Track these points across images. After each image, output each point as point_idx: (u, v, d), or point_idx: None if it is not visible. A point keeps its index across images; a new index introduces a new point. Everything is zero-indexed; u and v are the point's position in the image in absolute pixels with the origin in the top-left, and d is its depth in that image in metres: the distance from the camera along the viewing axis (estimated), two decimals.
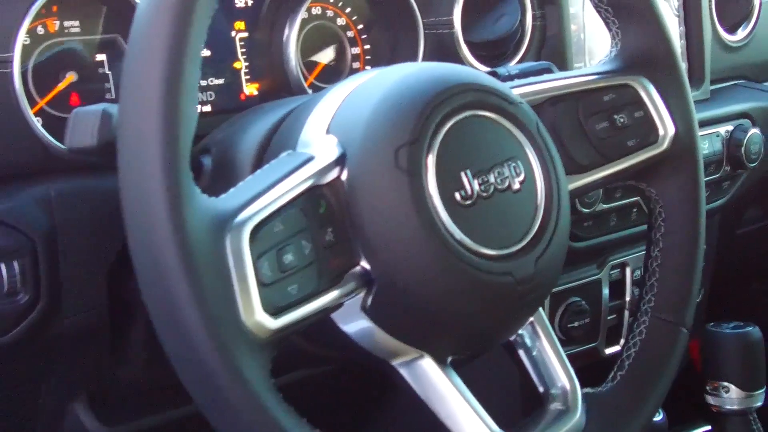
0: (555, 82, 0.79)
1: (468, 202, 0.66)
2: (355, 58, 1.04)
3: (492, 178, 0.68)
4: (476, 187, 0.67)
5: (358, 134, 0.66)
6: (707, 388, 1.19)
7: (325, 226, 0.63)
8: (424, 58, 1.02)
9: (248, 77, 0.97)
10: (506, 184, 0.68)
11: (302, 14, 0.95)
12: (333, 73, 1.02)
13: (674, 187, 0.82)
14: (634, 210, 1.15)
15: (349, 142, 0.66)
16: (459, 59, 1.02)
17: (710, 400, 1.19)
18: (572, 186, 0.77)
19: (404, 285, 0.65)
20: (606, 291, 1.19)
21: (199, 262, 0.55)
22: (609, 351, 1.22)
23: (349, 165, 0.65)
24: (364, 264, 0.65)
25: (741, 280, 1.72)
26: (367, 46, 1.04)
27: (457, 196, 0.66)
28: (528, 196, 0.70)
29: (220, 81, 0.95)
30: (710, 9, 1.26)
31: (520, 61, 1.06)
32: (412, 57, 1.02)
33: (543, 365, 0.77)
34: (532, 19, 1.07)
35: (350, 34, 1.03)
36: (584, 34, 1.15)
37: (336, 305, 0.64)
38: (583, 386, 0.78)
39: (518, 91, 0.76)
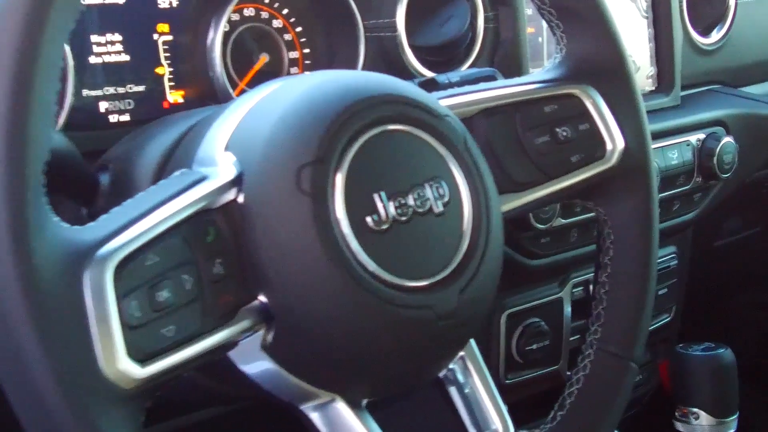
0: (489, 92, 0.71)
1: (382, 227, 0.59)
2: (294, 63, 0.96)
3: (410, 201, 0.60)
4: (392, 210, 0.59)
5: (257, 152, 0.59)
6: (676, 414, 1.12)
7: (213, 257, 0.56)
8: (365, 64, 0.94)
9: (172, 84, 0.89)
10: (427, 206, 0.61)
11: (227, 16, 0.88)
12: (268, 80, 0.95)
13: (624, 206, 0.75)
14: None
15: (248, 160, 0.59)
16: (403, 65, 0.94)
17: (679, 426, 1.12)
18: (508, 206, 0.70)
19: (307, 322, 0.58)
20: (568, 311, 1.12)
21: (47, 302, 0.48)
22: None
23: (246, 186, 0.58)
24: (263, 298, 0.58)
25: (719, 296, 1.65)
26: (306, 50, 0.97)
27: (369, 220, 0.59)
28: (452, 220, 0.63)
29: (141, 88, 0.87)
30: (681, 10, 1.19)
31: (471, 67, 0.99)
32: (352, 62, 0.94)
33: (476, 405, 0.70)
34: (483, 22, 1.00)
35: (288, 37, 0.96)
36: (543, 37, 1.08)
37: (228, 345, 0.57)
38: (539, 416, 0.71)
39: (447, 102, 0.69)
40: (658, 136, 1.11)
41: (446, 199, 0.62)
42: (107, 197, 0.69)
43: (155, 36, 0.88)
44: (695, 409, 1.10)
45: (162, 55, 0.89)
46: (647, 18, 1.15)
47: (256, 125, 0.61)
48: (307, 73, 0.87)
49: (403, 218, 0.60)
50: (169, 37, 0.89)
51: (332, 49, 0.96)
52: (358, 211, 0.58)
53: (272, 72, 0.95)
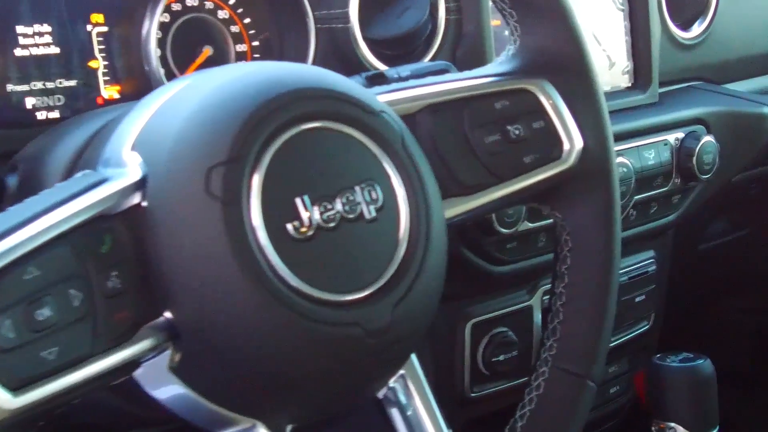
0: (434, 86, 0.65)
1: (304, 235, 0.53)
2: (241, 56, 0.90)
3: (338, 206, 0.55)
4: (316, 216, 0.54)
5: (164, 151, 0.53)
6: (653, 429, 1.06)
7: (108, 270, 0.50)
8: (316, 57, 0.88)
9: (107, 78, 0.83)
10: (357, 212, 0.55)
11: (163, 5, 0.82)
12: None
13: (583, 211, 0.69)
14: None
15: (154, 160, 0.53)
16: (356, 58, 0.88)
17: None
18: (453, 212, 0.64)
19: (218, 341, 0.52)
20: (538, 319, 1.06)
21: None
22: None
23: (150, 189, 0.52)
24: (168, 314, 0.52)
25: (704, 302, 1.59)
26: (255, 43, 0.91)
27: (290, 228, 0.53)
28: (386, 227, 0.57)
29: (72, 83, 0.82)
30: (660, 2, 1.13)
31: (432, 61, 0.93)
32: (302, 56, 0.88)
33: (418, 427, 0.64)
34: (445, 13, 0.94)
35: (235, 29, 0.90)
36: None
37: (127, 368, 0.51)
38: None
39: (387, 97, 0.63)
40: (633, 134, 1.06)
41: (380, 203, 0.56)
42: (12, 201, 0.63)
43: (89, 27, 0.82)
44: (672, 424, 1.04)
45: (96, 47, 0.83)
46: (623, 10, 1.09)
47: (166, 122, 0.55)
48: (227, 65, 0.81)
49: (330, 225, 0.54)
50: (104, 28, 0.83)
51: (282, 42, 0.90)
52: (277, 218, 0.53)
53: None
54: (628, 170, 1.00)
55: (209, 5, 0.89)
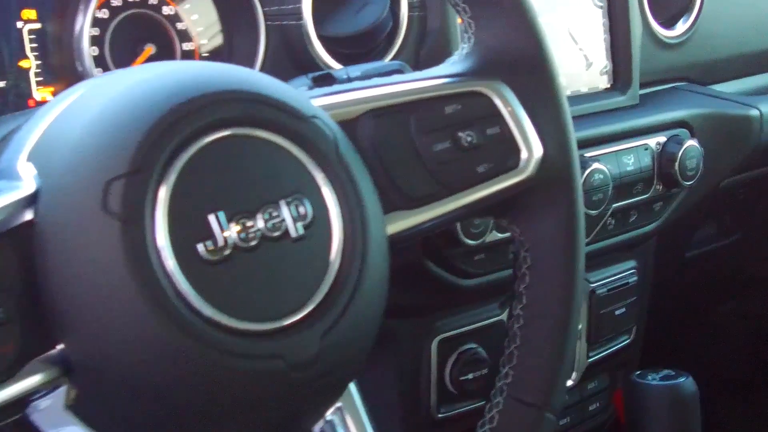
0: (378, 89, 0.59)
1: (218, 256, 0.48)
2: (188, 55, 0.85)
3: (259, 223, 0.49)
4: (233, 235, 0.48)
5: (60, 163, 0.47)
6: None
7: None
8: (267, 56, 0.83)
9: (40, 79, 0.77)
10: (282, 229, 0.50)
11: (97, 0, 0.76)
12: None
13: (543, 225, 0.63)
14: None
15: (49, 173, 0.47)
16: (309, 58, 0.82)
17: None
18: (397, 227, 0.58)
19: (118, 375, 0.46)
20: None
21: None
22: None
23: (41, 205, 0.46)
24: (62, 346, 0.46)
25: (694, 311, 1.53)
26: (203, 41, 0.85)
27: (201, 249, 0.47)
28: (316, 246, 0.51)
29: (1, 84, 0.76)
30: None
31: (394, 60, 0.87)
32: (252, 55, 0.82)
33: None
34: (408, 9, 0.88)
35: (181, 26, 0.84)
36: None
37: (13, 407, 0.46)
38: None
39: (324, 101, 0.57)
40: (612, 138, 1.00)
41: (308, 219, 0.51)
42: None
43: (19, 23, 0.76)
44: None
45: (27, 45, 0.77)
46: (601, 7, 1.03)
47: (65, 130, 0.49)
48: (136, 66, 0.75)
49: (249, 245, 0.48)
50: (36, 25, 0.77)
51: (231, 40, 0.84)
52: (187, 237, 0.47)
53: None
54: (605, 177, 0.94)
55: (153, 0, 0.83)
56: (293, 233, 0.50)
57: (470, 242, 0.87)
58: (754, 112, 1.12)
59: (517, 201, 0.63)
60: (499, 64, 0.62)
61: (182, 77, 0.50)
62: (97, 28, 0.79)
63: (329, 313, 0.50)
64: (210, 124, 0.49)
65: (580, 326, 1.06)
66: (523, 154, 0.62)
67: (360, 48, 0.85)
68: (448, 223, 0.61)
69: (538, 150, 0.62)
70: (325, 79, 0.70)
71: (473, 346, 0.97)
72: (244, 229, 0.48)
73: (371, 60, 0.86)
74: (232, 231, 0.48)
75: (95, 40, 0.79)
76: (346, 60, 0.84)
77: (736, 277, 1.56)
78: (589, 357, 1.08)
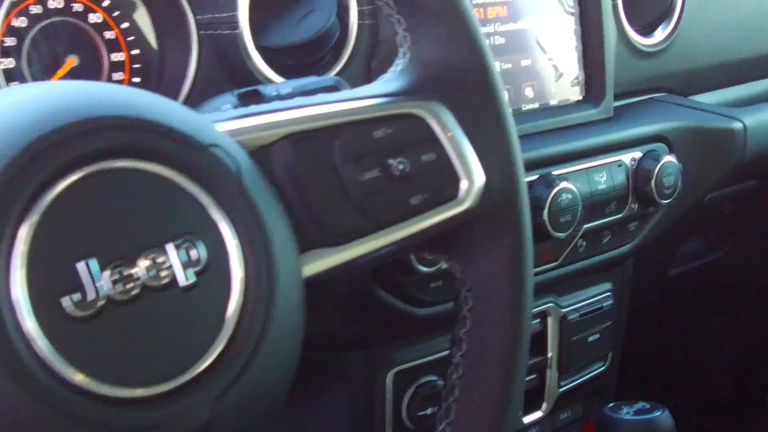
0: (297, 111, 0.53)
1: (88, 311, 0.41)
2: (117, 66, 0.78)
3: (140, 270, 0.42)
4: (106, 285, 0.41)
5: None
6: None
7: None
8: (200, 68, 0.76)
9: None
10: (168, 277, 0.43)
11: (6, 6, 0.70)
12: None
13: (486, 262, 0.57)
14: None
15: None
16: (247, 70, 0.76)
17: None
18: (316, 267, 0.52)
19: None
20: None
21: None
22: None
23: None
24: None
25: (674, 333, 1.46)
26: (135, 52, 0.78)
27: (67, 303, 0.41)
28: (210, 295, 0.45)
29: None
30: (615, 5, 1.00)
31: (340, 74, 0.80)
32: (182, 67, 0.76)
33: None
34: (357, 17, 0.81)
35: (110, 35, 0.77)
36: None
37: None
38: None
39: (231, 125, 0.51)
40: (582, 155, 0.93)
41: (202, 264, 0.44)
42: None
43: None
44: None
45: None
46: (573, 14, 0.97)
47: None
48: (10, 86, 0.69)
49: (127, 296, 0.42)
50: None
51: (162, 50, 0.78)
52: (50, 289, 0.40)
53: (90, 78, 0.77)
54: (574, 197, 0.87)
55: (78, 7, 0.76)
56: (182, 281, 0.43)
57: (424, 269, 0.80)
58: (737, 125, 1.05)
59: (456, 235, 0.56)
60: (436, 83, 0.56)
61: (53, 102, 0.43)
62: (13, 38, 0.72)
63: (224, 373, 0.44)
64: (84, 155, 0.42)
65: (550, 355, 1.00)
66: (463, 183, 0.55)
67: (304, 59, 0.78)
68: (377, 261, 0.55)
69: (479, 178, 0.56)
70: (252, 96, 0.63)
71: (432, 378, 0.90)
72: (122, 278, 0.42)
73: (318, 72, 0.79)
74: (106, 281, 0.41)
75: (11, 51, 0.72)
76: (289, 72, 0.77)
77: (724, 293, 1.50)
78: (560, 386, 1.02)
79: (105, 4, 0.77)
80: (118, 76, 0.78)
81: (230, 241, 0.45)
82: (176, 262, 0.43)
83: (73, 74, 0.75)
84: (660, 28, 1.06)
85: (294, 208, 0.51)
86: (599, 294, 1.04)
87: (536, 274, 0.91)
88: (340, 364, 0.87)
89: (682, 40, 1.07)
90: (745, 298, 1.52)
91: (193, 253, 0.44)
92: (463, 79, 0.56)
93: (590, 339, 1.02)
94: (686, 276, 1.35)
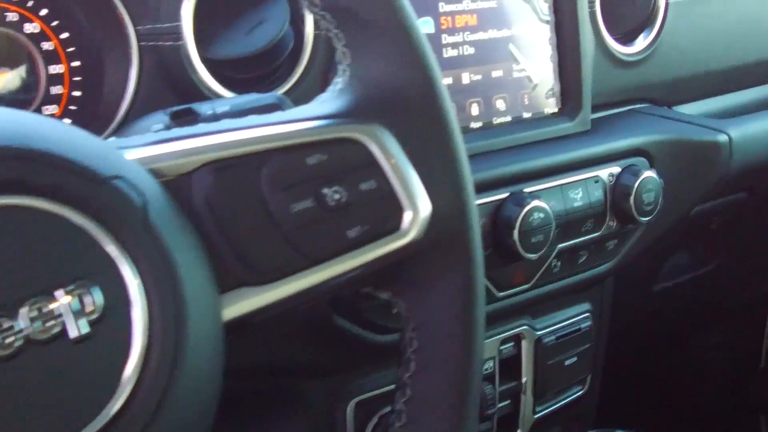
0: (219, 135, 0.48)
1: None
2: (56, 80, 0.73)
3: (22, 321, 0.38)
4: None
5: None
6: None
7: None
8: (141, 82, 0.71)
9: None
10: (55, 329, 0.38)
11: None
12: (20, 103, 0.72)
13: (433, 299, 0.52)
14: None
15: None
16: (191, 84, 0.71)
17: None
18: (240, 309, 0.47)
19: None
20: None
21: None
22: None
23: None
24: None
25: (657, 356, 1.42)
26: (75, 63, 0.74)
27: None
28: (107, 348, 0.40)
29: None
30: (593, 12, 0.95)
31: (294, 87, 0.76)
32: (122, 81, 0.71)
33: None
34: (313, 27, 0.76)
35: (48, 46, 0.73)
36: None
37: None
38: None
39: (141, 153, 0.46)
40: (557, 170, 0.88)
41: (97, 313, 0.39)
42: None
43: None
44: None
45: None
46: (548, 21, 0.92)
47: None
48: None
49: (6, 352, 0.37)
50: None
51: (102, 63, 0.73)
52: None
53: (25, 93, 0.72)
54: (547, 216, 0.83)
55: (12, 16, 0.71)
56: (73, 332, 0.39)
57: (385, 295, 0.75)
58: (722, 138, 1.00)
59: (400, 270, 0.51)
60: (378, 104, 0.51)
61: None
62: None
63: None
64: None
65: (524, 380, 0.95)
66: (407, 214, 0.50)
67: (255, 72, 0.73)
68: (310, 300, 0.50)
69: (425, 207, 0.51)
70: (186, 115, 0.58)
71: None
72: (1, 330, 0.37)
73: (271, 86, 0.75)
74: None
75: None
76: (239, 86, 0.73)
77: (713, 308, 1.45)
78: (536, 412, 0.97)
79: (42, 13, 0.72)
80: (56, 89, 0.73)
81: (132, 285, 0.40)
82: (66, 311, 0.39)
83: (13, 88, 0.70)
84: (641, 36, 1.02)
85: (214, 244, 0.46)
86: (577, 315, 1.00)
87: (507, 297, 0.88)
88: (301, 394, 0.82)
89: (664, 49, 1.02)
90: (735, 313, 1.48)
91: (87, 300, 0.39)
92: (408, 99, 0.51)
93: (567, 362, 0.98)
94: (673, 291, 1.30)
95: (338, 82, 0.52)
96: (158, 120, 0.58)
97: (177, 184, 0.46)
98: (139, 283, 0.40)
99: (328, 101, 0.51)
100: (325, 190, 0.49)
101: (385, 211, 0.50)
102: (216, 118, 0.58)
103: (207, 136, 0.48)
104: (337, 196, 0.49)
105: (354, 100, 0.51)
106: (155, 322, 0.40)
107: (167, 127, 0.53)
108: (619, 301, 1.10)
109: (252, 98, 0.60)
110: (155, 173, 0.45)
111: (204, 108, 0.59)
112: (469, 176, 0.52)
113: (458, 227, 0.51)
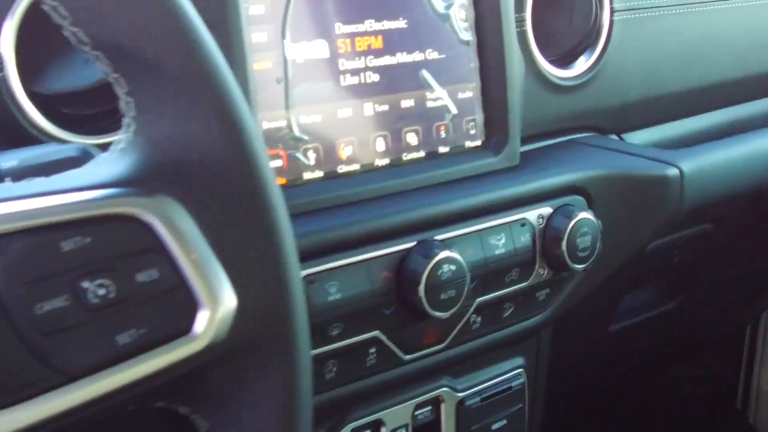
0: None
1: None
2: None
3: None
4: None
5: None
6: None
7: None
8: None
9: None
10: None
11: None
12: None
13: (241, 416, 0.40)
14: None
15: None
16: (16, 122, 0.60)
17: None
18: None
19: None
20: None
21: None
22: None
23: None
24: None
25: (620, 391, 1.30)
26: None
27: None
28: None
29: None
30: (524, 31, 0.84)
31: None
32: None
33: None
34: None
35: None
36: None
37: None
38: None
39: None
40: (475, 214, 0.77)
41: None
42: None
43: None
44: None
45: None
46: (468, 43, 0.80)
47: None
48: None
49: None
50: None
51: None
52: None
53: None
54: (459, 268, 0.71)
55: None
56: None
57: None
58: (672, 172, 0.88)
59: (196, 382, 0.40)
60: (168, 169, 0.40)
61: None
62: None
63: None
64: None
65: None
66: (202, 313, 0.39)
67: (95, 108, 0.62)
68: (73, 424, 0.38)
69: (228, 301, 0.39)
70: None
71: None
72: None
73: (116, 126, 0.63)
74: None
75: None
76: (75, 125, 0.62)
77: (676, 345, 1.34)
78: None
79: None
80: None
81: None
82: None
83: None
84: (582, 57, 0.90)
85: None
86: (507, 371, 0.88)
87: (419, 358, 0.77)
88: None
89: (609, 71, 0.91)
90: (703, 352, 1.37)
91: None
92: (208, 164, 0.39)
93: (495, 426, 0.86)
94: (632, 330, 1.19)
95: (120, 141, 0.41)
96: None
97: None
98: None
99: (106, 164, 0.40)
100: (86, 284, 0.38)
101: (171, 310, 0.39)
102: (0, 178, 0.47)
103: None
104: (102, 291, 0.38)
105: (136, 164, 0.40)
106: None
107: None
108: (566, 348, 0.99)
109: (48, 150, 0.48)
110: None
111: None
112: (293, 260, 0.41)
113: (275, 327, 0.40)
